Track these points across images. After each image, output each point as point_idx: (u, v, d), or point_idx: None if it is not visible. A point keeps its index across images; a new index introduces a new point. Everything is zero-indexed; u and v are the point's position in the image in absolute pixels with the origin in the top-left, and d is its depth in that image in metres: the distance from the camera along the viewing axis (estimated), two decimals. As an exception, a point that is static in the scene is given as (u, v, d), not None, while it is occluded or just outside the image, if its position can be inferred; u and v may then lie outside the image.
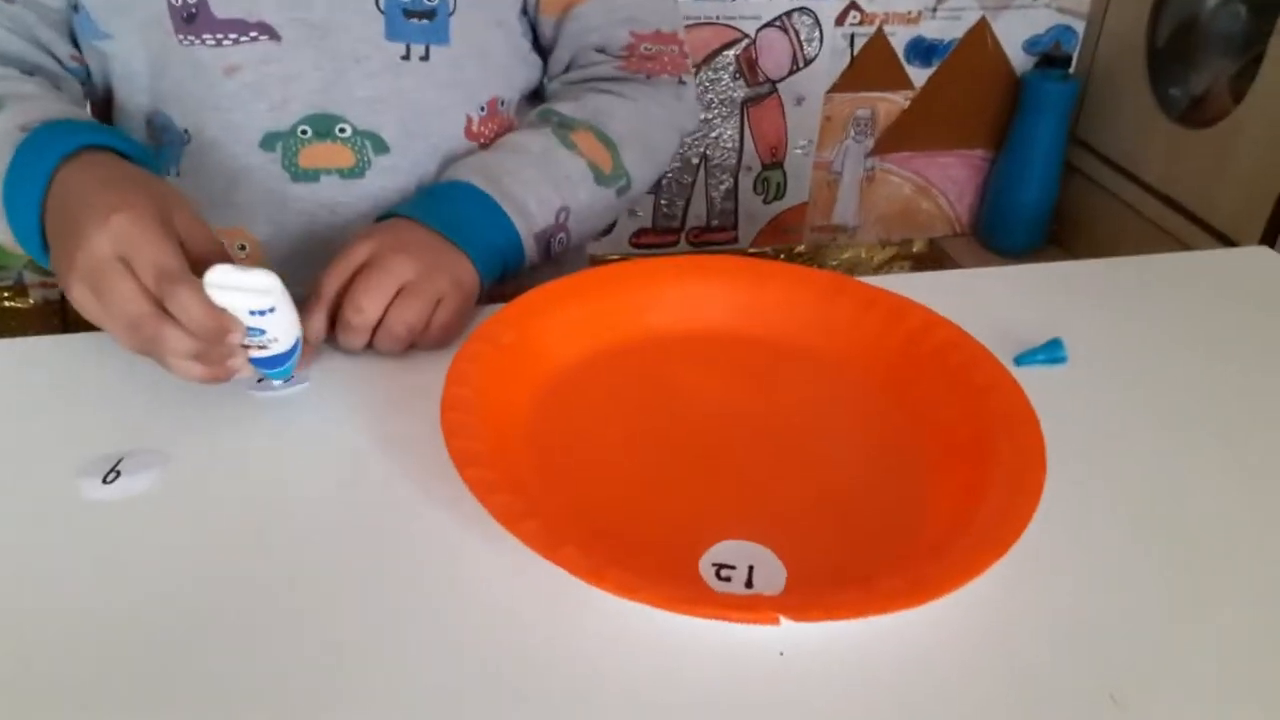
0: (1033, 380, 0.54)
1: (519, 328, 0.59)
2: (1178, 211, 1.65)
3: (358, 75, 0.76)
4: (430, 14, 0.77)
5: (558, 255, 0.79)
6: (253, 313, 0.53)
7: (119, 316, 0.55)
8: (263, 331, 0.54)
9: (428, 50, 0.78)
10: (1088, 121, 1.85)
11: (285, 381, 0.60)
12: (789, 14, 1.73)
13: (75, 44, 0.81)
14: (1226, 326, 0.68)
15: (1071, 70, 1.84)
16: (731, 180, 1.85)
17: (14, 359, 0.64)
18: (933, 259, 1.95)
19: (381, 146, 0.78)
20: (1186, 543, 0.49)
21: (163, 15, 0.74)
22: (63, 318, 1.66)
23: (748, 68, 1.76)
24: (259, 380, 0.59)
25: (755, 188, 1.87)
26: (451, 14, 0.77)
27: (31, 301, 1.70)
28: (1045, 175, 1.83)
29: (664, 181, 1.82)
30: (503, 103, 0.83)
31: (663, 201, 1.84)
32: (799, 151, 1.85)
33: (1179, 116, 1.65)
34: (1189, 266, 0.78)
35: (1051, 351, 0.62)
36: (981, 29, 1.79)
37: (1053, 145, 1.82)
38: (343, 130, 0.77)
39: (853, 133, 1.85)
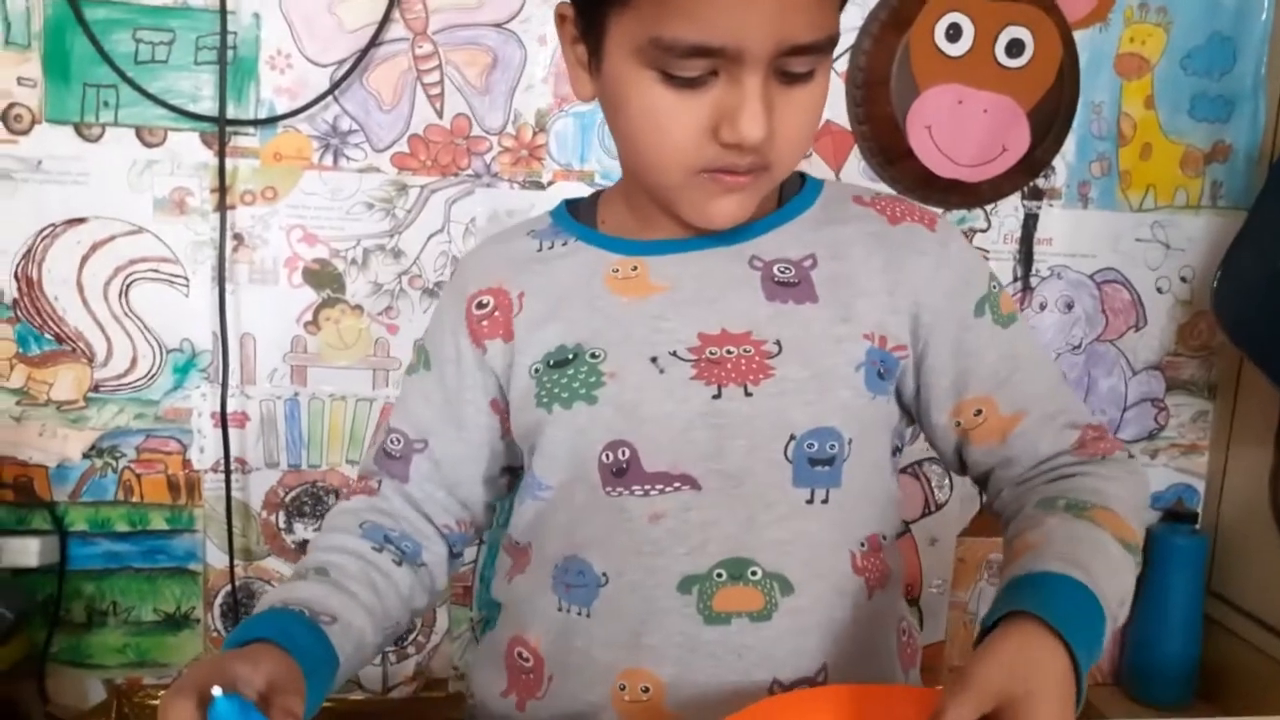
0: None
1: None
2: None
3: (768, 519, 0.81)
4: (830, 460, 0.82)
5: None
6: None
7: None
8: None
9: (828, 494, 0.82)
10: (1221, 575, 1.87)
11: None
12: (919, 463, 1.86)
13: (465, 510, 0.92)
14: None
15: (1198, 526, 1.90)
16: (868, 616, 1.88)
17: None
18: (1077, 708, 1.88)
19: (788, 588, 0.80)
20: None
21: (592, 471, 0.82)
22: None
23: (883, 510, 1.87)
24: None
25: (891, 624, 1.89)
26: (845, 460, 0.82)
27: (184, 702, 1.73)
28: (1185, 629, 1.82)
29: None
30: (884, 538, 0.87)
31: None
32: (934, 590, 1.89)
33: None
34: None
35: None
36: (1105, 484, 1.89)
37: (1189, 599, 1.83)
38: (754, 573, 0.80)
39: (986, 576, 1.90)
